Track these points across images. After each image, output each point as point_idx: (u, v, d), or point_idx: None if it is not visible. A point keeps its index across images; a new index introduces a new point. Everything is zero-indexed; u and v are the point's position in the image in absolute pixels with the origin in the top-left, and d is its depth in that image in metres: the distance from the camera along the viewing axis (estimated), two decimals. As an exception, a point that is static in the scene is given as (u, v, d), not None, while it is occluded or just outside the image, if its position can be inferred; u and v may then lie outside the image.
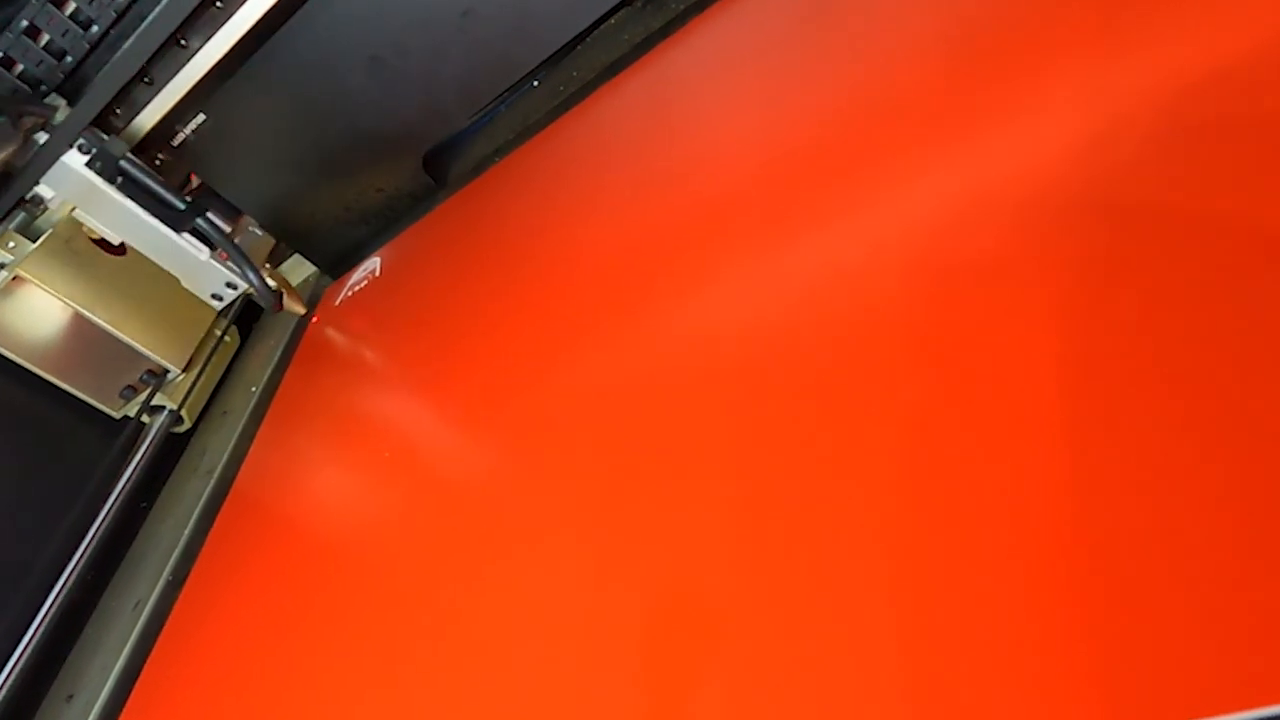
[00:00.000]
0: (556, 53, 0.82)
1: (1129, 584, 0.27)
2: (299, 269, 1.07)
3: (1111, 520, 0.28)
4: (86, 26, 0.77)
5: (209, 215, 0.83)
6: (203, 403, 0.94)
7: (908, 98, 0.51)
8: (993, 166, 0.43)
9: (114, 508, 0.79)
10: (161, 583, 0.73)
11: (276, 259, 1.07)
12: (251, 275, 0.85)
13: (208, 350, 0.94)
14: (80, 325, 0.83)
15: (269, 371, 0.91)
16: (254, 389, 0.91)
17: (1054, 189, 0.39)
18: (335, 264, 1.01)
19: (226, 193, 0.99)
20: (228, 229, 1.13)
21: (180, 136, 0.87)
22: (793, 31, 0.64)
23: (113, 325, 0.84)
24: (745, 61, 0.67)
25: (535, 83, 0.88)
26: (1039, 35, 0.46)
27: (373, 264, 0.94)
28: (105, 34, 0.76)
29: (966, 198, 0.42)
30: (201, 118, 0.86)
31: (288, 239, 1.01)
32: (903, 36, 0.55)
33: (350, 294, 0.92)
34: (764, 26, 0.67)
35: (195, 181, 1.07)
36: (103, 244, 0.86)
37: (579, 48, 0.84)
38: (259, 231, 0.93)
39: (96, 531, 0.76)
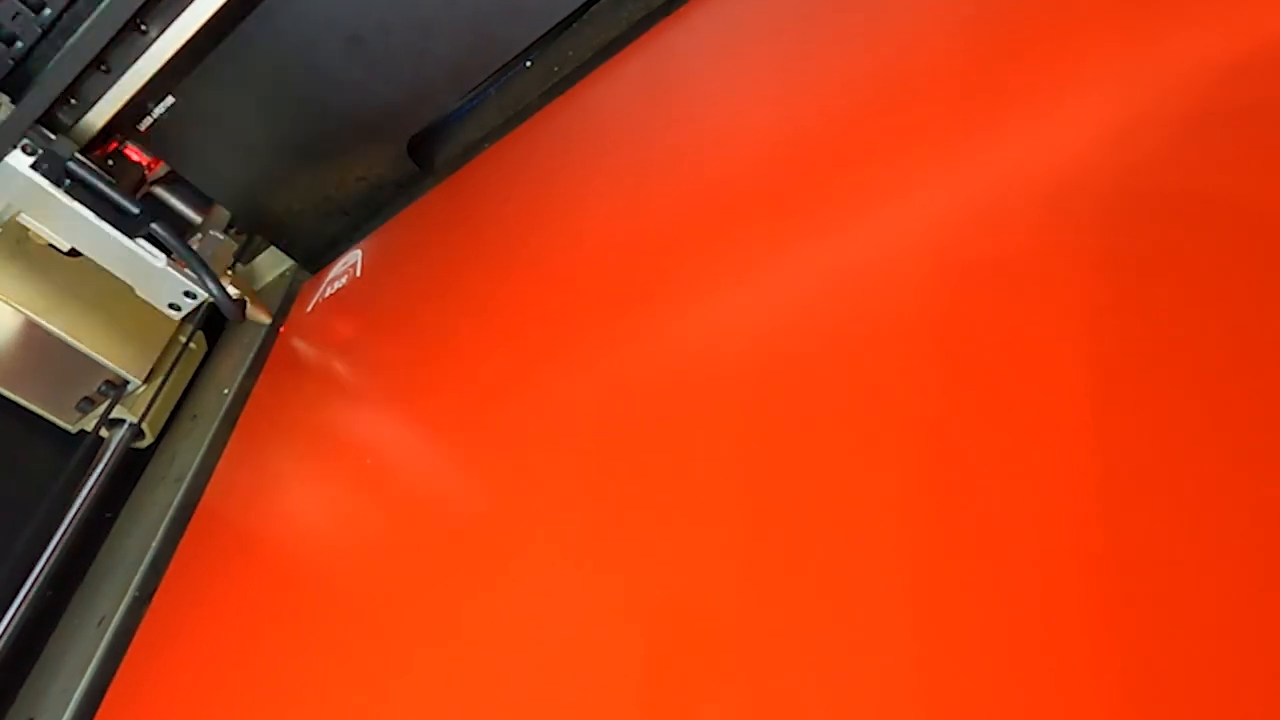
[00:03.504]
0: (551, 30, 0.79)
1: (1165, 606, 0.26)
2: (275, 262, 1.05)
3: (1147, 530, 0.27)
4: (38, 10, 0.72)
5: (164, 222, 0.79)
6: (166, 415, 0.91)
7: (927, 79, 0.49)
8: (1019, 153, 0.41)
9: (70, 528, 0.76)
10: (128, 598, 0.72)
11: (251, 253, 1.04)
12: (210, 284, 0.79)
13: (171, 359, 0.91)
14: (32, 332, 0.80)
15: (241, 374, 0.89)
16: (225, 392, 0.88)
17: (1085, 177, 0.38)
18: (314, 257, 0.99)
19: (197, 180, 0.97)
20: (198, 218, 1.09)
21: (148, 120, 0.84)
22: (803, 8, 0.63)
23: (67, 332, 0.81)
24: (752, 40, 0.65)
25: (528, 63, 0.86)
26: (1067, 13, 0.44)
27: (354, 257, 0.92)
28: (58, 18, 0.72)
29: (990, 187, 0.41)
30: (171, 100, 0.83)
31: (263, 231, 0.99)
32: (921, 14, 0.53)
33: (325, 297, 0.90)
34: (772, 3, 0.65)
35: (159, 171, 1.04)
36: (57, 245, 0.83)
37: (575, 25, 0.82)
38: (221, 236, 0.89)
39: (52, 554, 0.74)
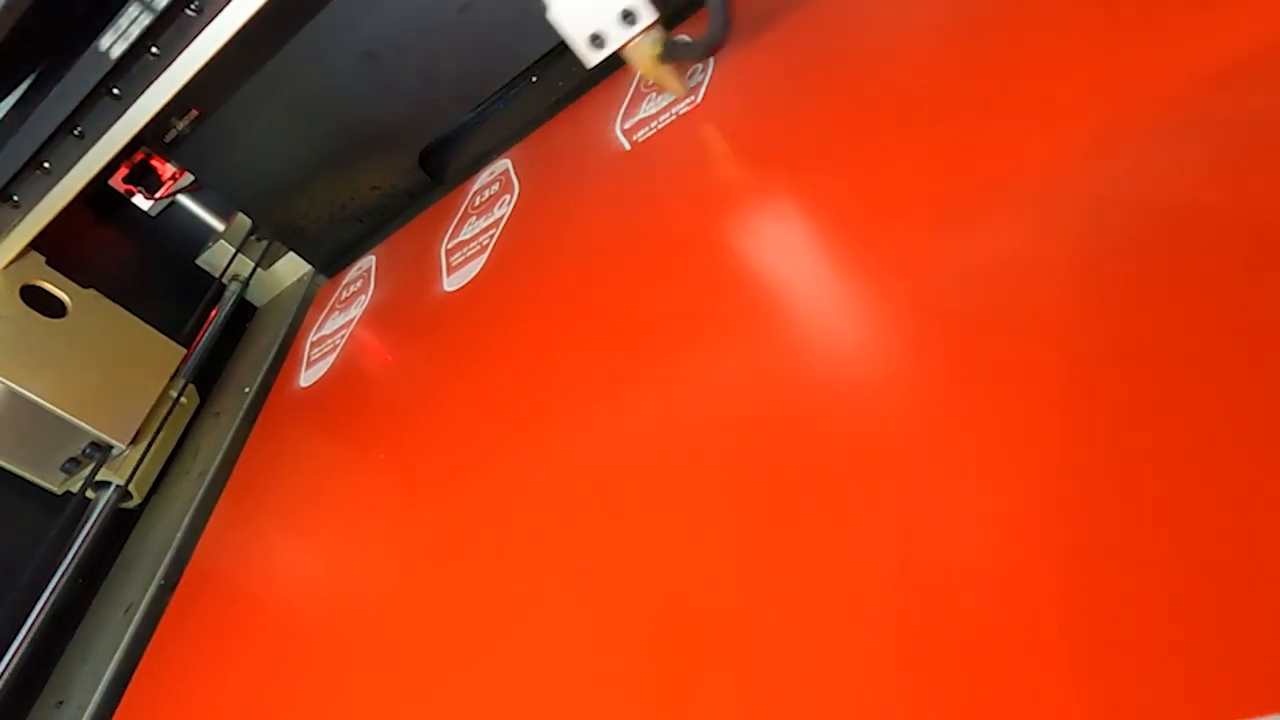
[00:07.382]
0: (557, 46, 0.80)
1: (1164, 605, 0.25)
2: (294, 268, 1.06)
3: (1140, 530, 0.27)
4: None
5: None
6: (154, 475, 0.86)
7: (913, 91, 0.50)
8: (1007, 163, 0.41)
9: (56, 591, 0.73)
10: (153, 587, 0.73)
11: (271, 258, 1.06)
12: None
13: (159, 419, 0.87)
14: (12, 398, 0.76)
15: (262, 373, 0.90)
16: (246, 390, 0.89)
17: (1074, 185, 0.38)
18: (330, 262, 1.01)
19: (219, 189, 0.98)
20: (220, 226, 1.11)
21: (173, 132, 0.86)
22: (800, 23, 0.64)
23: (48, 400, 0.77)
24: (751, 53, 0.65)
25: (534, 78, 0.87)
26: (1055, 20, 0.45)
27: (368, 262, 0.93)
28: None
29: (980, 197, 0.41)
30: (194, 113, 0.85)
31: (282, 237, 1.01)
32: (909, 23, 0.54)
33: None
34: (771, 17, 0.66)
35: (184, 180, 1.06)
36: (38, 306, 0.80)
37: (578, 42, 0.82)
38: None
39: (40, 611, 0.72)
